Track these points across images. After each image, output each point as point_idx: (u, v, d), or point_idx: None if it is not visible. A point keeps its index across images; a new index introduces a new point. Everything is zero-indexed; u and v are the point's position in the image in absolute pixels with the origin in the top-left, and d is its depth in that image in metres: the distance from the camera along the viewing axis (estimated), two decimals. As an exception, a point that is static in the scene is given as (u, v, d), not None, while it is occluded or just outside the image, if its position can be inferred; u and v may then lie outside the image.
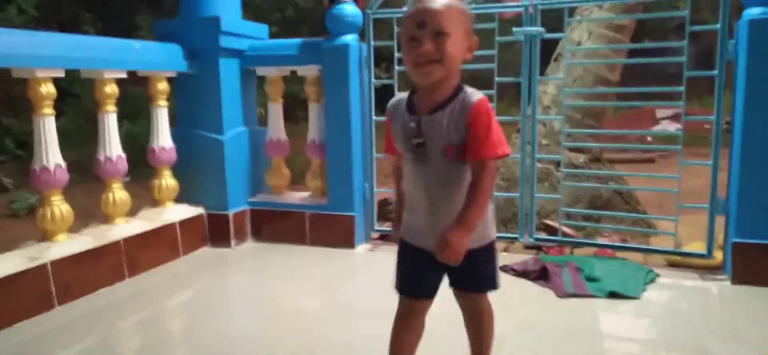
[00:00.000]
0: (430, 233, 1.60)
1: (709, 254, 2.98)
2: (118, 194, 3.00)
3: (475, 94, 1.56)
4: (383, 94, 3.60)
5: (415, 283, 1.72)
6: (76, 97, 8.49)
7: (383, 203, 4.17)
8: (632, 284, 2.71)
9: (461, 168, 1.57)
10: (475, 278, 1.68)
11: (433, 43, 1.50)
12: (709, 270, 2.96)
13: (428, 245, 1.61)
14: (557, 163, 3.60)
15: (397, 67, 3.36)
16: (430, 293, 1.71)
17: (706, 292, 2.74)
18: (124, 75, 3.04)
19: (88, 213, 3.50)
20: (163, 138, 3.28)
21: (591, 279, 2.77)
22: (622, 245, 3.27)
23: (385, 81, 3.54)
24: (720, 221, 2.96)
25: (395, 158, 1.74)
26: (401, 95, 1.68)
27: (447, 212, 1.58)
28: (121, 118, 7.56)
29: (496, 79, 3.19)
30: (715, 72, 2.85)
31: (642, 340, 2.30)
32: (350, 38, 3.32)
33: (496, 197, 3.39)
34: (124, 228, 2.97)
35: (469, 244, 1.55)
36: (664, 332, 2.34)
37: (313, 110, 3.50)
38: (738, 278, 2.77)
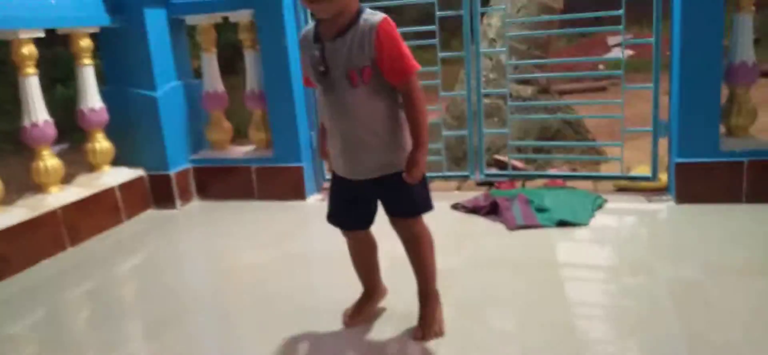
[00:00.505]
0: (347, 161, 1.66)
1: (654, 176, 3.03)
2: (50, 161, 2.83)
3: (376, 15, 1.57)
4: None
5: (347, 214, 1.78)
6: (3, 64, 7.96)
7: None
8: (581, 212, 2.74)
9: (368, 91, 1.59)
10: (403, 201, 1.70)
11: None
12: (655, 192, 3.01)
13: (350, 174, 1.68)
14: (504, 98, 3.57)
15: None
16: (362, 222, 1.78)
17: (652, 213, 2.80)
18: (41, 34, 2.81)
19: (24, 186, 3.31)
20: (91, 99, 3.09)
21: (541, 210, 2.78)
22: (572, 173, 3.30)
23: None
24: (663, 143, 3.01)
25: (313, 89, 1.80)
26: (309, 25, 1.70)
27: (358, 139, 1.62)
28: (54, 81, 7.20)
29: (438, 13, 3.10)
30: (654, -5, 2.83)
31: (590, 265, 2.34)
32: (282, -22, 3.15)
33: (446, 136, 3.34)
34: (59, 196, 2.82)
35: (385, 169, 1.64)
36: (611, 256, 2.39)
37: (250, 58, 3.34)
38: (681, 198, 2.83)
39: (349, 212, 1.77)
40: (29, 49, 2.74)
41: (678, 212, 2.77)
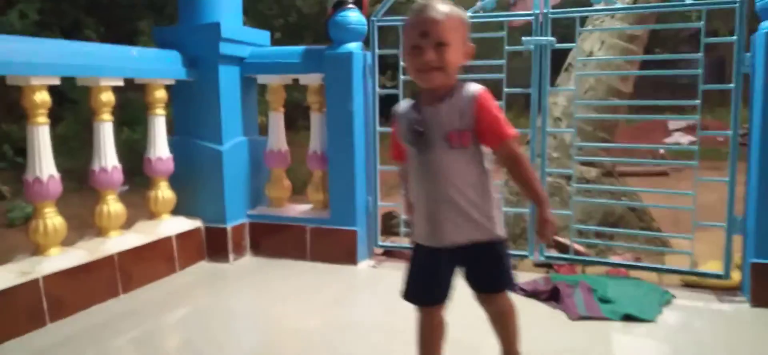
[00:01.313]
0: (435, 226, 1.70)
1: (727, 274, 2.85)
2: (113, 206, 2.90)
3: (474, 85, 1.68)
4: (388, 103, 3.50)
5: (425, 287, 1.77)
6: (75, 103, 8.37)
7: (387, 217, 4.06)
8: (647, 306, 2.59)
9: (463, 156, 1.67)
10: (490, 276, 1.76)
11: (435, 53, 1.62)
12: (726, 291, 2.83)
13: (436, 241, 1.71)
14: (568, 178, 3.48)
15: (402, 77, 3.26)
16: (442, 296, 1.77)
17: (724, 314, 2.62)
18: (121, 83, 2.94)
19: (84, 223, 3.40)
20: (160, 148, 3.18)
21: (604, 300, 2.65)
22: (636, 263, 3.15)
23: (390, 91, 3.43)
24: (737, 239, 2.84)
25: (403, 165, 1.83)
26: (405, 101, 1.81)
27: (450, 201, 1.67)
28: (121, 124, 7.49)
29: (506, 89, 3.08)
30: (732, 85, 2.74)
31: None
32: (354, 46, 3.21)
33: (505, 213, 3.26)
34: (118, 241, 2.87)
35: (474, 235, 1.69)
36: (683, 360, 2.22)
37: (316, 120, 3.40)
38: (756, 300, 2.65)
39: (429, 286, 1.77)
40: (107, 96, 2.86)
41: (753, 316, 2.59)
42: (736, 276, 2.86)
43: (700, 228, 2.91)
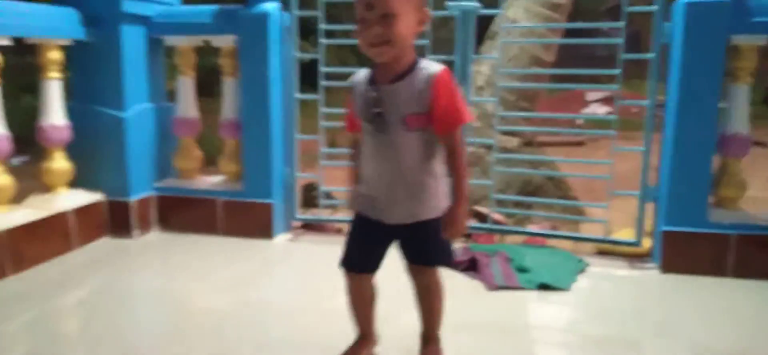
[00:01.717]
0: (386, 204, 1.67)
1: (639, 242, 2.92)
2: (1, 178, 2.62)
3: (434, 65, 1.61)
4: (308, 69, 3.35)
5: (363, 257, 1.78)
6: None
7: (307, 188, 3.93)
8: (562, 275, 2.61)
9: (419, 137, 1.62)
10: (426, 251, 1.73)
11: (381, 25, 1.53)
12: (638, 258, 2.91)
13: (384, 217, 1.69)
14: (489, 147, 3.45)
15: (323, 41, 3.11)
16: (374, 266, 1.79)
17: (635, 280, 2.70)
18: (7, 42, 2.63)
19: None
20: (54, 115, 2.89)
21: (521, 270, 2.65)
22: (553, 232, 3.18)
23: (311, 55, 3.28)
24: (650, 208, 2.91)
25: (353, 135, 1.79)
26: (362, 71, 1.73)
27: (403, 182, 1.64)
28: (21, 90, 6.91)
29: (429, 57, 2.99)
30: (652, 55, 2.76)
31: (572, 333, 2.20)
32: (271, 6, 3.02)
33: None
34: (6, 218, 2.60)
35: (420, 215, 1.65)
36: (594, 325, 2.25)
37: (229, 86, 3.19)
38: (667, 267, 2.73)
39: (368, 255, 1.78)
40: (-9, 57, 2.55)
41: (663, 282, 2.67)
42: (647, 244, 2.94)
43: (615, 198, 2.96)
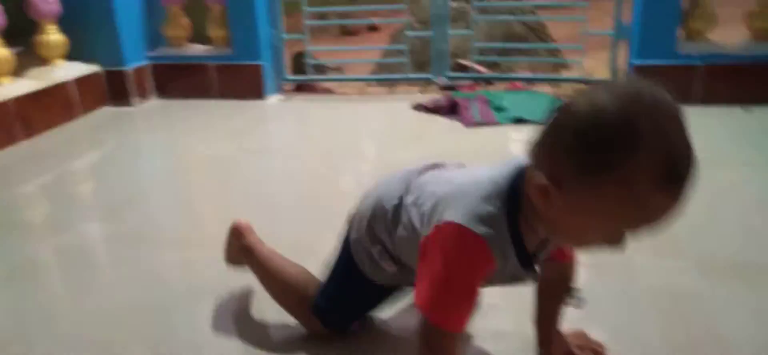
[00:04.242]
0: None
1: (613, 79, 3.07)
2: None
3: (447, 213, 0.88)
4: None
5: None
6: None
7: (297, 56, 4.03)
8: (538, 111, 2.78)
9: None
10: None
11: None
12: (612, 95, 3.05)
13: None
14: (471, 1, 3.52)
15: None
16: None
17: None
18: None
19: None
20: (42, -13, 2.96)
21: (499, 109, 2.82)
22: (531, 76, 3.33)
23: None
24: (623, 46, 3.03)
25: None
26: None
27: None
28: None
29: None
30: None
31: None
32: None
33: (411, 38, 3.32)
34: (11, 88, 2.74)
35: None
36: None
37: (209, -51, 3.23)
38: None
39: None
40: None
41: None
42: (621, 81, 3.08)
43: (595, 47, 3.07)
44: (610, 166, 0.69)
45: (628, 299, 0.90)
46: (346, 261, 1.15)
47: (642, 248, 0.94)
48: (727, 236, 1.62)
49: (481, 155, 2.35)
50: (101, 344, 1.25)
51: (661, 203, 0.71)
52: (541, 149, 0.79)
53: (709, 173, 1.99)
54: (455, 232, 0.85)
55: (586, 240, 0.81)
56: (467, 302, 0.87)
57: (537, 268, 0.94)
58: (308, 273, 1.25)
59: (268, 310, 1.29)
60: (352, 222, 1.15)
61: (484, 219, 0.85)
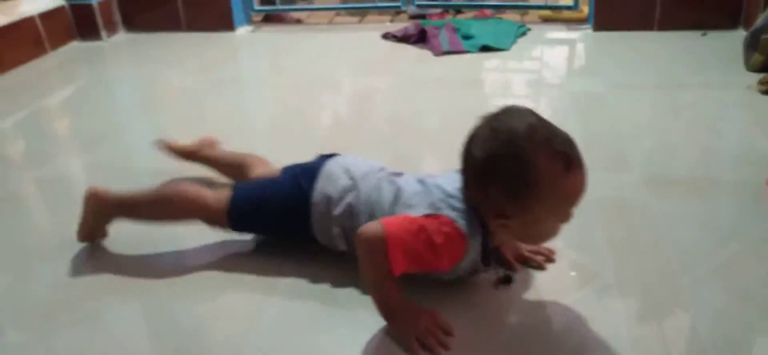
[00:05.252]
0: None
1: (576, 5, 3.15)
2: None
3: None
4: None
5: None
6: None
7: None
8: (504, 38, 2.86)
9: None
10: None
11: None
12: (576, 23, 3.14)
13: None
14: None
15: None
16: None
17: (570, 40, 2.96)
18: None
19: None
20: None
21: (467, 37, 2.88)
22: (499, 3, 3.38)
23: None
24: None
25: None
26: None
27: None
28: None
29: None
30: None
31: (509, 82, 2.50)
32: None
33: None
34: (-25, 25, 2.71)
35: None
36: (528, 75, 2.57)
37: None
38: (599, 26, 2.97)
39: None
40: None
41: (594, 38, 2.93)
42: (585, 9, 3.16)
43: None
44: (531, 185, 0.95)
45: (578, 208, 1.01)
46: (294, 201, 1.21)
47: (595, 165, 1.05)
48: (680, 154, 1.70)
49: (450, 83, 2.44)
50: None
51: (575, 182, 0.98)
52: (477, 195, 1.03)
53: (666, 96, 2.14)
54: (441, 219, 1.02)
55: (545, 235, 1.07)
56: (420, 256, 1.00)
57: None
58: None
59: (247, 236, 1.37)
60: (317, 188, 1.19)
61: (463, 215, 1.03)
